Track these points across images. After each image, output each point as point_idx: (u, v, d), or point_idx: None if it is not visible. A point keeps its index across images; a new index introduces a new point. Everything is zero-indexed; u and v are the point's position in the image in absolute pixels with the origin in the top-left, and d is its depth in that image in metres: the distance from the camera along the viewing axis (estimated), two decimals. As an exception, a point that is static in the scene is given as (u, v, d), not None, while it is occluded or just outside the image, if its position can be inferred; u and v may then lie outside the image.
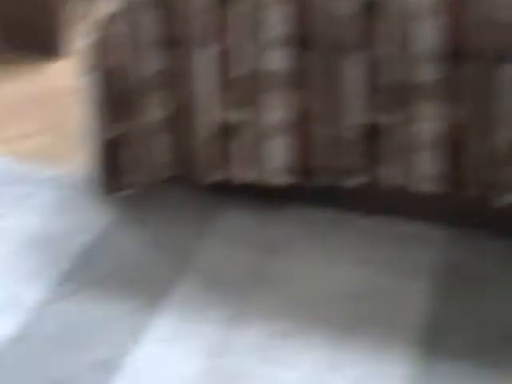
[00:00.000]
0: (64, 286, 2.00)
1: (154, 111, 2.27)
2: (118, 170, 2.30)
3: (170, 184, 2.33)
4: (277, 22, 2.18)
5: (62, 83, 2.90)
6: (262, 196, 2.27)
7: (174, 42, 2.25)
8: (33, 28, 3.13)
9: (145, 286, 2.00)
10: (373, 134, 2.20)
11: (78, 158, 2.45)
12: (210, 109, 2.25)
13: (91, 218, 2.24)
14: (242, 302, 1.93)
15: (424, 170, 2.19)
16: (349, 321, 1.87)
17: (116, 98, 2.26)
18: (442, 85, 2.10)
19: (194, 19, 2.22)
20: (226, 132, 2.23)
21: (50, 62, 3.08)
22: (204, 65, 2.23)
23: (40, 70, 3.04)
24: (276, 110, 2.19)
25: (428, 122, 2.13)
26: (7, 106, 2.84)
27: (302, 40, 2.16)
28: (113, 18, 2.25)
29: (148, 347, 1.80)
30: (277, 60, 2.17)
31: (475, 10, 2.02)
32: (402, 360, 1.78)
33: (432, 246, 2.16)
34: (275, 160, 2.23)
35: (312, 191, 2.27)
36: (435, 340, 1.85)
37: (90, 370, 1.73)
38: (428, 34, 2.06)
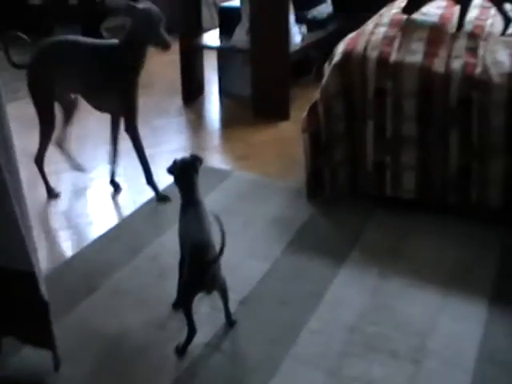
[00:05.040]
0: (291, 247, 2.06)
1: (338, 154, 2.29)
2: (317, 185, 2.32)
3: (346, 194, 2.33)
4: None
5: (290, 134, 2.93)
6: (398, 206, 2.26)
7: (351, 116, 2.25)
8: (271, 102, 3.20)
9: (334, 250, 2.02)
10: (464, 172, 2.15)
11: (297, 177, 2.47)
12: (371, 154, 2.25)
13: (302, 211, 2.27)
14: (387, 265, 1.93)
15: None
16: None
17: (316, 145, 2.28)
18: None
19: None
20: (382, 167, 2.24)
21: (283, 121, 3.12)
22: (370, 132, 2.22)
23: (276, 126, 3.09)
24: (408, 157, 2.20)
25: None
26: (258, 146, 2.88)
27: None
28: (315, 105, 2.26)
29: (336, 287, 1.83)
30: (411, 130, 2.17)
31: None
32: (478, 299, 1.76)
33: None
34: (408, 185, 2.23)
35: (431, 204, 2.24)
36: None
37: (302, 297, 1.79)
38: None
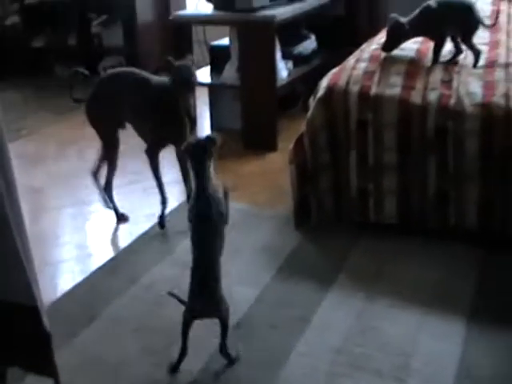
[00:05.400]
0: (280, 273, 2.06)
1: (324, 183, 2.29)
2: (304, 213, 2.33)
3: (331, 221, 2.33)
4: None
5: (277, 165, 2.93)
6: (381, 231, 2.27)
7: (335, 147, 2.25)
8: (260, 134, 3.23)
9: (321, 275, 2.02)
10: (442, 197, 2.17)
11: (285, 205, 2.47)
12: (354, 182, 2.26)
13: (290, 238, 2.27)
14: (371, 288, 1.93)
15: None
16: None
17: (302, 176, 2.30)
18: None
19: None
20: (365, 194, 2.25)
21: (271, 152, 3.14)
22: (353, 161, 2.22)
23: (265, 158, 3.11)
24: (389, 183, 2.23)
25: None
26: (248, 176, 2.89)
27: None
28: (301, 138, 2.31)
29: (323, 311, 1.83)
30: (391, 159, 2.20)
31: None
32: (457, 317, 1.78)
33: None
34: (390, 210, 2.25)
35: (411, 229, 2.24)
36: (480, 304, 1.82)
37: (291, 321, 1.80)
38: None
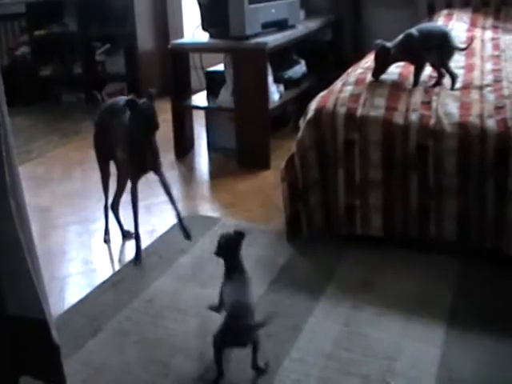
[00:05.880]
0: (273, 285, 2.07)
1: (314, 199, 2.31)
2: (295, 228, 2.34)
3: (321, 235, 2.35)
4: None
5: (270, 182, 2.96)
6: (367, 243, 2.28)
7: (324, 165, 2.28)
8: (254, 154, 3.27)
9: (312, 285, 2.04)
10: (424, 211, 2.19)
11: (277, 221, 2.49)
12: (342, 198, 2.27)
13: (283, 252, 2.28)
14: (358, 297, 1.95)
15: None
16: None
17: (293, 192, 2.31)
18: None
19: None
20: (352, 209, 2.28)
21: (264, 170, 3.17)
22: (341, 178, 2.23)
23: (258, 176, 3.13)
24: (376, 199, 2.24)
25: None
26: (243, 194, 2.91)
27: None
28: (292, 157, 2.32)
29: (314, 319, 1.86)
30: (376, 175, 2.22)
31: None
32: (438, 322, 1.79)
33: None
34: (375, 223, 2.27)
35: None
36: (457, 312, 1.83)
37: (284, 330, 1.80)
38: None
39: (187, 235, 2.28)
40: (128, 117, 2.12)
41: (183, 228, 2.27)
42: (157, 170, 2.23)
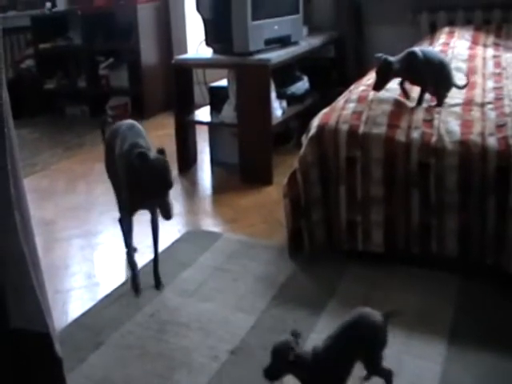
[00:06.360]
0: (275, 300, 2.08)
1: (316, 215, 2.33)
2: (297, 244, 2.35)
3: (323, 251, 2.35)
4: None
5: (273, 198, 2.98)
6: (369, 259, 2.28)
7: (326, 182, 2.29)
8: (256, 169, 3.26)
9: (314, 301, 2.04)
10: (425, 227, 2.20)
11: (280, 237, 2.51)
12: (344, 214, 2.29)
13: (285, 267, 2.28)
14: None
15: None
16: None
17: (295, 208, 2.32)
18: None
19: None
20: (353, 225, 2.28)
21: (267, 186, 3.18)
22: (343, 195, 2.26)
23: (261, 191, 3.13)
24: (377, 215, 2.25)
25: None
26: (245, 209, 2.91)
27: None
28: (294, 173, 2.32)
29: (315, 336, 1.84)
30: (378, 192, 2.22)
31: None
32: (438, 339, 1.79)
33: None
34: (376, 239, 2.27)
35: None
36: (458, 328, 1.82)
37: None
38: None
39: (158, 283, 2.20)
40: (138, 167, 1.93)
41: (157, 275, 2.20)
42: (154, 211, 2.14)
